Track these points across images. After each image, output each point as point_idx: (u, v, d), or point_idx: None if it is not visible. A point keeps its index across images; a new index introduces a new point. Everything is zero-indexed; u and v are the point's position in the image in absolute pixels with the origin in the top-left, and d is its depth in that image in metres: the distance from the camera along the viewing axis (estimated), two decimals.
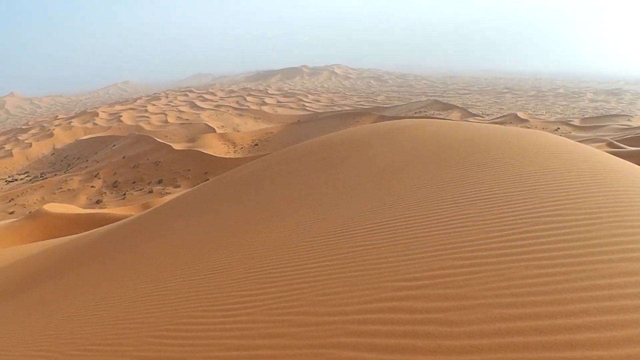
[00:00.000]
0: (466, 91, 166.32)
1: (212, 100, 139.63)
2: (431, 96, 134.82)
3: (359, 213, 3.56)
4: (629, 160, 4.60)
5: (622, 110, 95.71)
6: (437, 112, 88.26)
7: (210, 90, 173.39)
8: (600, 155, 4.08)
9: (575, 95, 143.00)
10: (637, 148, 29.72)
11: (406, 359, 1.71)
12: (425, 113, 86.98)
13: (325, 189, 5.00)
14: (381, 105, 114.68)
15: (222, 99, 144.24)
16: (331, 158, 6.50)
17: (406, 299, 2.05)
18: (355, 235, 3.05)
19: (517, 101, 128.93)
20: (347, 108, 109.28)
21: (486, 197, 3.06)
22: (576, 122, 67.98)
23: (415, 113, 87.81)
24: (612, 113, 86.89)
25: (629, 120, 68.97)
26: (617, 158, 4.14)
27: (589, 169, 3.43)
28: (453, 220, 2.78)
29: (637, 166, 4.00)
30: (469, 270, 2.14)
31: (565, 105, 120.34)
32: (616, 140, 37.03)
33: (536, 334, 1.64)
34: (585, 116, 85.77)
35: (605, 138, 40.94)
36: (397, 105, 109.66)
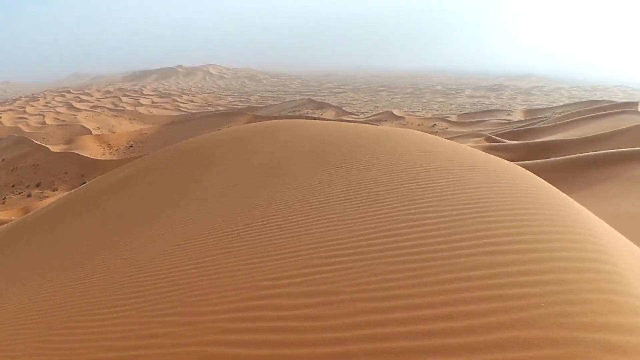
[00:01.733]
0: (341, 89, 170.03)
1: (88, 101, 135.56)
2: (305, 95, 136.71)
3: (230, 215, 3.74)
4: (507, 154, 5.01)
5: (502, 106, 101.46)
6: (311, 111, 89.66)
7: (86, 90, 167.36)
8: (466, 152, 4.42)
9: (453, 92, 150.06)
10: (515, 142, 31.86)
11: (274, 353, 1.89)
12: (300, 112, 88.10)
13: (198, 192, 5.18)
14: (255, 105, 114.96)
15: (98, 99, 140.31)
16: (205, 160, 6.59)
17: (273, 297, 2.23)
18: (226, 237, 3.24)
19: (392, 99, 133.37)
20: (221, 108, 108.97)
21: (352, 196, 3.29)
22: (454, 118, 71.32)
23: (289, 112, 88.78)
24: (491, 108, 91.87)
25: (508, 114, 73.14)
26: (483, 153, 4.51)
27: (455, 167, 3.74)
28: (319, 220, 2.99)
29: (503, 161, 4.35)
30: (333, 267, 2.34)
31: (442, 101, 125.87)
32: (495, 135, 39.15)
33: (396, 324, 1.83)
34: (463, 112, 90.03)
35: (484, 133, 43.25)
36: (271, 105, 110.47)
